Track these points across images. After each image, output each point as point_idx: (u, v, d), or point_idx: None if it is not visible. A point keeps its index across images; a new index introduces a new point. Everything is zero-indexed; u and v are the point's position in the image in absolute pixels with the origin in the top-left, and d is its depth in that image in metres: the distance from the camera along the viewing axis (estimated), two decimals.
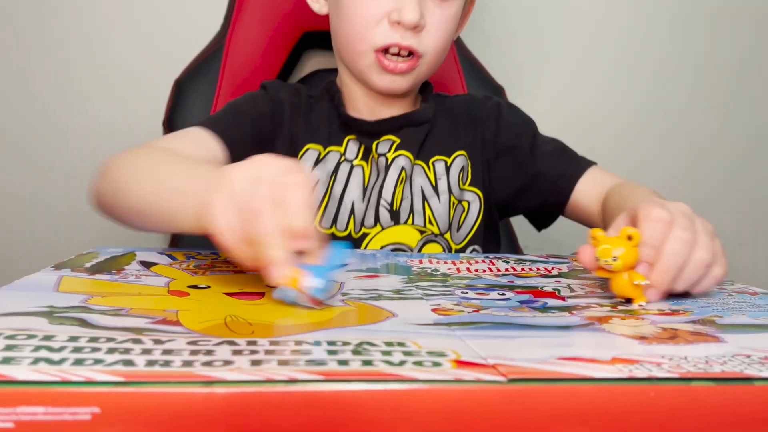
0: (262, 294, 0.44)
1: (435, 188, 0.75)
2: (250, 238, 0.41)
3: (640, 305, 0.45)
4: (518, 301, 0.46)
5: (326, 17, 0.78)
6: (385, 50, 0.71)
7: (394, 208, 0.73)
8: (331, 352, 0.31)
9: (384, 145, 0.75)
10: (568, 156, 0.78)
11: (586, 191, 0.75)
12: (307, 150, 0.74)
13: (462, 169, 0.77)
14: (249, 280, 0.48)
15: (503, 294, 0.48)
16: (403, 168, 0.74)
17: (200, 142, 0.68)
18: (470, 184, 0.77)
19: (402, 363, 0.30)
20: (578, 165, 0.76)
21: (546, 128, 0.82)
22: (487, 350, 0.33)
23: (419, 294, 0.46)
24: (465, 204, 0.76)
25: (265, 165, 0.44)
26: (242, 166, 0.44)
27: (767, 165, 1.28)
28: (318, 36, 0.97)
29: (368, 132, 0.75)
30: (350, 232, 0.72)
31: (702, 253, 0.47)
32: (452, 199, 0.75)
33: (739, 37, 1.23)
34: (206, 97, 0.93)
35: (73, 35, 1.07)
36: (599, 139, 1.18)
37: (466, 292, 0.48)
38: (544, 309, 0.44)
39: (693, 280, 0.47)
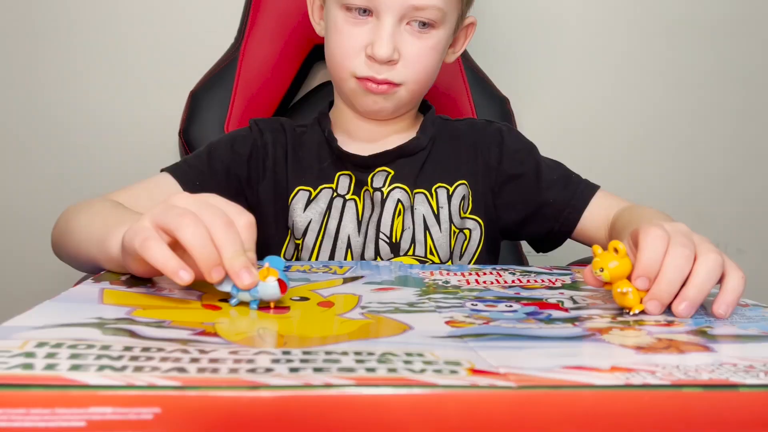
0: (288, 308, 0.48)
1: (437, 217, 0.76)
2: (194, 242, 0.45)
3: (633, 314, 0.49)
4: (525, 313, 0.49)
5: None
6: (365, 78, 0.74)
7: (394, 240, 0.74)
8: (358, 361, 0.35)
9: (379, 178, 0.76)
10: (573, 183, 0.79)
11: (593, 217, 0.76)
12: (297, 192, 0.76)
13: (463, 198, 0.77)
14: None
15: (510, 306, 0.51)
16: (399, 201, 0.75)
17: (163, 192, 0.71)
18: (471, 212, 0.78)
19: (423, 371, 0.33)
20: (584, 192, 0.77)
21: (550, 137, 0.84)
22: (498, 360, 0.37)
23: (432, 307, 0.50)
24: (466, 232, 0.77)
25: (212, 197, 0.49)
26: (188, 194, 0.50)
27: (765, 168, 1.30)
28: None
29: (362, 165, 0.77)
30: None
31: (705, 263, 0.49)
32: (453, 228, 0.76)
33: (743, 44, 1.25)
34: (221, 107, 0.97)
35: (89, 47, 1.11)
36: (602, 147, 1.21)
37: (476, 304, 0.51)
38: (549, 320, 0.47)
39: (705, 290, 0.49)
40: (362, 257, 0.75)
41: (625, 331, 0.45)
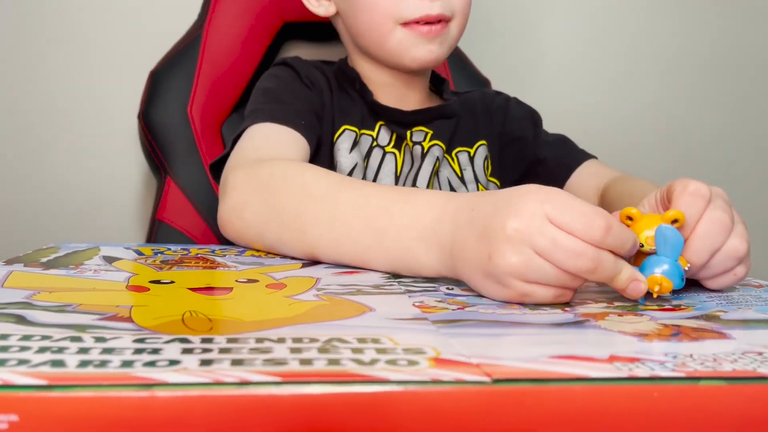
0: (231, 289, 0.41)
1: (462, 179, 0.75)
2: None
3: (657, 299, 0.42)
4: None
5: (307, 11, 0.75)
6: (415, 22, 0.67)
7: None
8: (294, 350, 0.28)
9: (418, 134, 0.73)
10: (568, 146, 0.78)
11: (583, 182, 0.74)
12: (344, 131, 0.71)
13: (485, 158, 0.76)
14: (219, 275, 0.45)
15: None
16: (437, 158, 0.73)
17: (296, 144, 0.63)
18: (491, 175, 0.77)
19: (373, 362, 0.26)
20: (578, 155, 0.76)
21: None
22: (471, 348, 0.30)
23: (401, 289, 0.43)
24: None
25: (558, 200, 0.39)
26: (528, 196, 0.40)
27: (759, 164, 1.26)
28: (299, 26, 0.94)
29: (400, 122, 0.73)
30: None
31: (737, 242, 0.43)
32: (480, 187, 0.75)
33: (741, 34, 1.20)
34: (183, 88, 0.89)
35: (42, 22, 1.03)
36: (586, 133, 1.16)
37: (452, 288, 0.44)
38: (535, 306, 0.40)
39: (718, 271, 0.43)
40: None
41: (624, 316, 0.38)
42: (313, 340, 0.29)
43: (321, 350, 0.28)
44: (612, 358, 0.29)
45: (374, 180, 0.71)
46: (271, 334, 0.30)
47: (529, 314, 0.38)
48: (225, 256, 0.52)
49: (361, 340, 0.30)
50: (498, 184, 0.77)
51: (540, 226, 0.38)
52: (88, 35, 1.03)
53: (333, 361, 0.26)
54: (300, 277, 0.45)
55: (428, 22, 0.67)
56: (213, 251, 0.54)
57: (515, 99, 0.83)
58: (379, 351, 0.28)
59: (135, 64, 0.96)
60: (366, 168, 0.70)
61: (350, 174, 0.69)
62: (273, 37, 0.96)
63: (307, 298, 0.39)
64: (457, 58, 0.99)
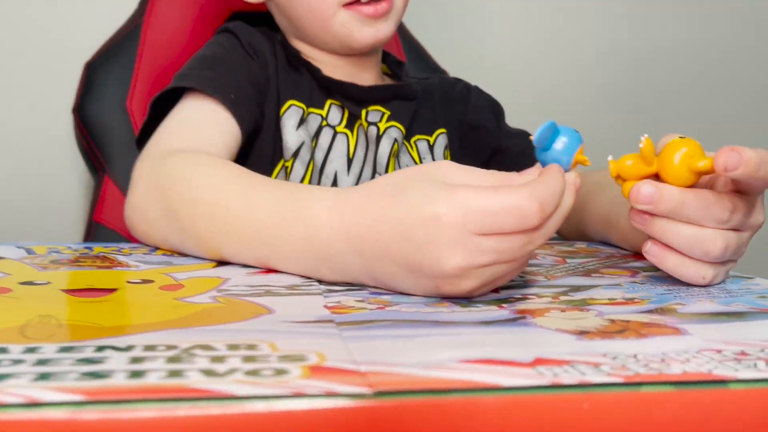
0: (114, 290, 0.35)
1: None
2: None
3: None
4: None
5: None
6: (354, 2, 0.61)
7: None
8: (135, 360, 0.22)
9: (374, 114, 0.67)
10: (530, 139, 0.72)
11: None
12: (290, 106, 0.64)
13: (446, 147, 0.71)
14: (108, 275, 0.39)
15: None
16: (395, 140, 0.66)
17: (220, 125, 0.56)
18: None
19: (230, 372, 0.21)
20: None
21: None
22: (369, 353, 0.24)
23: (320, 290, 0.38)
24: None
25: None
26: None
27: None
28: (248, 16, 0.88)
29: (355, 98, 0.66)
30: None
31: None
32: None
33: (722, 22, 1.17)
34: (121, 81, 0.83)
35: None
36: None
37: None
38: (469, 302, 0.35)
39: (682, 241, 0.38)
40: None
41: (568, 312, 0.33)
42: (170, 348, 0.24)
43: (171, 360, 0.22)
44: (537, 362, 0.24)
45: (324, 162, 0.64)
46: (121, 342, 0.25)
47: (458, 312, 0.33)
48: (131, 254, 0.47)
49: (232, 347, 0.24)
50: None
51: (477, 249, 0.33)
52: (18, 23, 0.96)
53: (175, 373, 0.21)
54: (205, 278, 0.40)
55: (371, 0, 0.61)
56: (120, 249, 0.48)
57: (476, 87, 0.78)
58: (246, 359, 0.23)
59: (69, 55, 0.89)
60: (315, 148, 0.64)
61: (297, 153, 0.63)
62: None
63: (201, 300, 0.34)
64: (413, 49, 0.94)
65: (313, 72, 0.65)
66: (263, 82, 0.63)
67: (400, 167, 0.66)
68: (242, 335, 0.26)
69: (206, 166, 0.48)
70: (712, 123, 1.18)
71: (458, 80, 0.78)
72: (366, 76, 0.68)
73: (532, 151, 0.73)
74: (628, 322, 0.31)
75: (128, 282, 0.38)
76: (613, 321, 0.31)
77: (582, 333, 0.28)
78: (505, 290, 0.38)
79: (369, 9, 0.61)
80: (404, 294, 0.37)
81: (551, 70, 1.15)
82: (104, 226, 0.84)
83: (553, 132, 0.38)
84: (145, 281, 0.38)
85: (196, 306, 0.32)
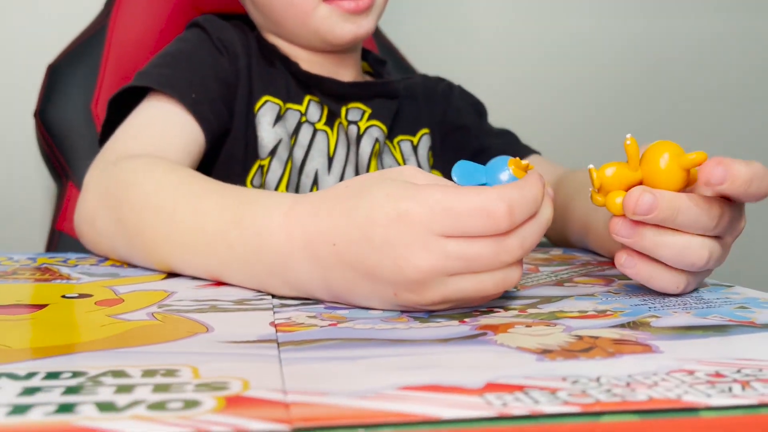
0: (43, 306, 0.32)
1: None
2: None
3: None
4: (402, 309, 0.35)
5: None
6: None
7: None
8: (27, 391, 0.19)
9: (354, 112, 0.64)
10: (514, 137, 0.71)
11: None
12: (265, 102, 0.61)
13: (429, 148, 0.69)
14: (42, 289, 0.36)
15: None
16: (377, 140, 0.63)
17: (177, 126, 0.54)
18: (433, 166, 0.69)
19: (130, 406, 0.18)
20: (523, 148, 0.69)
21: None
22: (303, 379, 0.22)
23: (271, 305, 0.35)
24: None
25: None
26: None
27: (723, 155, 1.21)
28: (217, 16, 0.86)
29: (335, 94, 0.63)
30: None
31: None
32: None
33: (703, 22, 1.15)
34: (86, 84, 0.80)
35: None
36: (527, 131, 1.11)
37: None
38: (429, 317, 0.33)
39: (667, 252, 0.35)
40: None
41: (533, 327, 0.30)
42: (77, 375, 0.21)
43: (69, 390, 0.20)
44: (487, 388, 0.21)
45: (304, 160, 0.61)
46: (24, 368, 0.22)
47: (415, 328, 0.30)
48: (77, 266, 0.44)
49: (147, 373, 0.22)
50: (441, 176, 0.70)
51: (442, 252, 0.31)
52: None
53: (65, 408, 0.18)
54: (149, 292, 0.37)
55: None
56: (66, 261, 0.46)
57: (459, 87, 0.75)
58: (157, 389, 0.20)
59: (31, 57, 0.86)
60: (294, 145, 0.61)
61: (274, 151, 0.60)
62: None
63: (137, 317, 0.31)
64: (390, 54, 0.92)
65: (290, 66, 0.63)
66: (232, 78, 0.60)
67: (383, 168, 0.63)
68: (166, 358, 0.24)
69: (158, 171, 0.45)
70: (702, 124, 1.17)
71: (441, 80, 0.75)
72: (345, 73, 0.66)
73: (516, 150, 0.71)
74: (596, 338, 0.28)
75: (63, 297, 0.35)
76: (580, 337, 0.28)
77: (544, 352, 0.26)
78: None
79: (350, 4, 0.59)
80: (362, 308, 0.34)
81: (529, 68, 1.13)
82: (67, 235, 0.81)
83: (475, 169, 0.35)
84: (82, 296, 0.35)
85: (128, 324, 0.30)
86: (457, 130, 0.71)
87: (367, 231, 0.32)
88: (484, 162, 0.71)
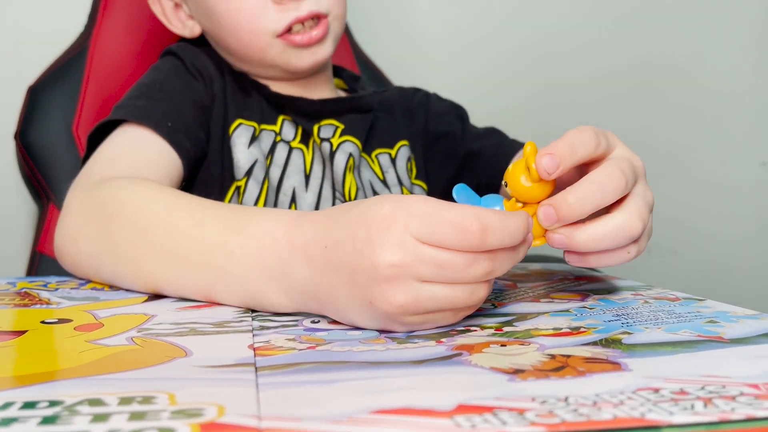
0: (22, 333, 0.32)
1: (384, 182, 0.66)
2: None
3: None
4: (379, 330, 0.35)
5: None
6: (288, 31, 0.60)
7: (347, 198, 0.63)
8: (3, 422, 0.20)
9: (327, 129, 0.64)
10: (501, 136, 0.70)
11: None
12: (239, 125, 0.62)
13: (408, 159, 0.69)
14: (21, 314, 0.37)
15: None
16: (350, 154, 0.64)
17: (158, 155, 0.54)
18: (416, 177, 0.70)
19: None
20: (512, 144, 0.68)
21: None
22: (278, 404, 0.22)
23: (250, 327, 0.35)
24: None
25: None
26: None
27: (698, 168, 1.22)
28: (198, 39, 0.86)
29: (307, 113, 0.64)
30: None
31: (633, 221, 0.37)
32: (404, 191, 0.67)
33: (658, 40, 1.17)
34: (66, 106, 0.80)
35: None
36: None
37: (318, 321, 0.37)
38: (407, 338, 0.33)
39: (605, 245, 0.37)
40: None
41: (509, 346, 0.31)
42: (53, 404, 0.22)
43: (45, 421, 0.20)
44: (458, 409, 0.22)
45: (281, 178, 0.62)
46: (2, 397, 0.22)
47: (393, 349, 0.31)
48: (57, 290, 0.44)
49: (124, 401, 0.22)
50: (424, 187, 0.70)
51: (415, 253, 0.32)
52: None
53: None
54: (129, 315, 0.37)
55: (301, 21, 0.59)
56: (46, 285, 0.46)
57: (435, 95, 0.76)
58: (133, 417, 0.20)
59: (11, 79, 0.86)
60: (270, 165, 0.62)
61: (250, 171, 0.61)
62: None
63: (116, 342, 0.31)
64: (368, 70, 0.93)
65: (261, 90, 0.64)
66: (207, 101, 0.61)
67: (360, 181, 0.65)
68: (143, 384, 0.24)
69: (148, 188, 0.45)
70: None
71: (417, 90, 0.76)
72: (316, 92, 0.66)
73: (505, 150, 0.71)
74: (568, 357, 0.29)
75: (42, 322, 0.35)
76: (553, 356, 0.29)
77: (516, 372, 0.27)
78: None
79: (302, 38, 0.60)
80: (340, 327, 0.35)
81: (509, 71, 1.14)
82: (49, 257, 0.81)
83: (473, 197, 0.37)
84: (62, 321, 0.36)
85: (107, 349, 0.30)
86: (441, 139, 0.71)
87: (353, 230, 0.33)
88: (475, 167, 0.71)
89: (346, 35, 0.93)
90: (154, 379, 0.25)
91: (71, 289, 0.44)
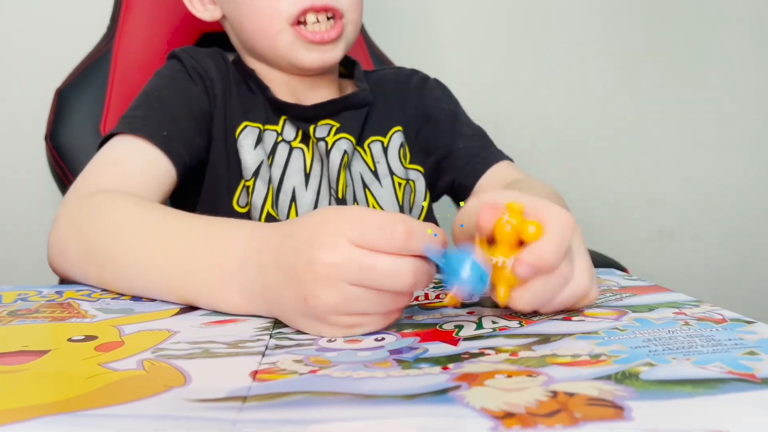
0: (42, 354, 0.34)
1: (375, 173, 0.67)
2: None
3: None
4: (390, 350, 0.34)
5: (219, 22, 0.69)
6: (302, 22, 0.61)
7: (339, 195, 0.64)
8: None
9: (322, 129, 0.66)
10: (485, 142, 0.71)
11: (490, 182, 0.67)
12: (245, 127, 0.64)
13: (401, 145, 0.69)
14: (49, 331, 0.38)
15: (382, 339, 0.37)
16: (345, 152, 0.65)
17: (150, 164, 0.57)
18: (411, 162, 0.70)
19: None
20: (495, 153, 0.69)
21: None
22: None
23: (263, 347, 0.35)
24: (411, 184, 0.69)
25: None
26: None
27: (719, 153, 1.16)
28: (217, 36, 0.87)
29: (303, 117, 0.66)
30: None
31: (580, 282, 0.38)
32: (396, 180, 0.68)
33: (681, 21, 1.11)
34: (93, 106, 0.83)
35: None
36: (537, 133, 1.09)
37: (334, 340, 0.36)
38: (415, 361, 0.32)
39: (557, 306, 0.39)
40: None
41: (514, 378, 0.29)
42: None
43: None
44: None
45: (281, 178, 0.63)
46: None
47: (393, 377, 0.30)
48: (99, 299, 0.46)
49: None
50: (421, 170, 0.69)
51: (345, 253, 0.35)
52: None
53: None
54: (153, 332, 0.38)
55: (315, 10, 0.60)
56: (90, 294, 0.48)
57: (435, 79, 0.75)
58: None
59: (40, 82, 0.89)
60: (271, 165, 0.63)
61: (257, 172, 0.62)
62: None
63: (126, 365, 0.32)
64: (381, 64, 0.92)
65: (264, 91, 0.65)
66: (207, 106, 0.63)
67: (351, 177, 0.66)
68: (120, 424, 0.25)
69: (128, 203, 0.49)
70: None
71: (415, 72, 0.75)
72: (319, 94, 0.68)
73: (484, 158, 0.70)
74: (571, 396, 0.27)
75: (69, 340, 0.37)
76: (554, 395, 0.27)
77: (506, 416, 0.25)
78: (466, 341, 0.35)
79: (314, 36, 0.61)
80: (352, 347, 0.34)
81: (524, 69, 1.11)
82: None
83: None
84: (87, 338, 0.37)
85: (112, 375, 0.31)
86: (431, 122, 0.71)
87: (298, 234, 0.37)
88: (454, 164, 0.69)
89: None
90: (136, 416, 0.26)
91: (111, 299, 0.46)
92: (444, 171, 0.70)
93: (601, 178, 1.14)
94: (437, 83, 0.74)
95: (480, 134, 0.71)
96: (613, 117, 1.15)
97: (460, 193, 0.69)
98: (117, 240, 0.46)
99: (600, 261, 0.65)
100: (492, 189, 0.65)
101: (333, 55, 0.63)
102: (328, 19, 0.61)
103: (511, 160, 0.69)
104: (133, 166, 0.56)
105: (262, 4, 0.61)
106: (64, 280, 0.53)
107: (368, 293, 0.35)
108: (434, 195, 0.72)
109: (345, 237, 0.35)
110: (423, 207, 0.69)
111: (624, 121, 1.15)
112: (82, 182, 0.54)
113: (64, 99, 0.82)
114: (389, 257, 0.35)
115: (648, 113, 1.16)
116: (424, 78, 0.74)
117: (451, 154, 0.69)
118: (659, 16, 1.15)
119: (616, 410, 0.25)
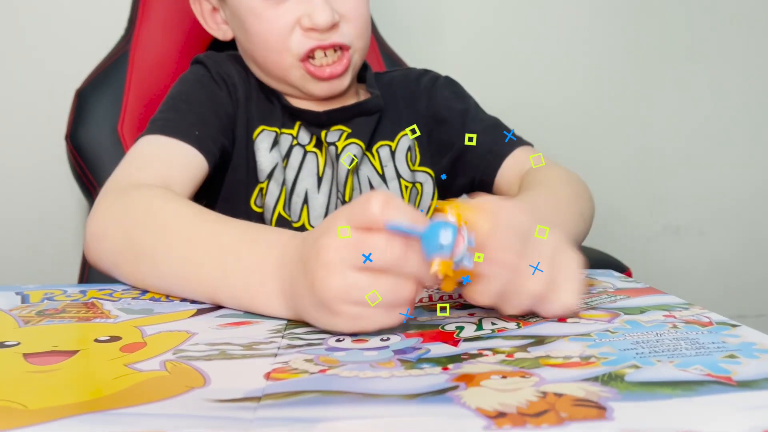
0: (71, 354, 0.37)
1: (383, 177, 0.69)
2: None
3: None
4: (395, 350, 0.37)
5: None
6: (310, 56, 0.65)
7: (346, 199, 0.67)
8: None
9: (334, 134, 0.68)
10: (499, 132, 0.70)
11: (508, 172, 0.67)
12: (262, 131, 0.67)
13: (409, 149, 0.71)
14: (77, 332, 0.41)
15: (387, 339, 0.39)
16: (354, 156, 0.68)
17: (186, 161, 0.60)
18: (420, 164, 0.71)
19: None
20: (505, 145, 0.69)
21: None
22: None
23: (276, 349, 0.38)
24: (418, 186, 0.71)
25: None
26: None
27: (725, 149, 1.17)
28: (227, 43, 0.89)
29: (317, 122, 0.68)
30: (304, 223, 0.66)
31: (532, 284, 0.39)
32: (403, 183, 0.70)
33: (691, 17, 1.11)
34: (111, 107, 0.86)
35: None
36: (546, 129, 1.11)
37: (342, 340, 0.39)
38: (417, 361, 0.35)
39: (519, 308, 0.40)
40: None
41: (508, 378, 0.32)
42: None
43: None
44: None
45: (294, 181, 0.66)
46: None
47: (397, 377, 0.32)
48: (120, 299, 0.48)
49: None
50: (430, 173, 0.71)
51: (354, 238, 0.36)
52: (10, 55, 1.00)
53: None
54: (173, 333, 0.41)
55: (323, 48, 0.63)
56: (112, 294, 0.50)
57: (446, 78, 0.76)
58: None
59: (61, 83, 0.92)
60: (286, 167, 0.66)
61: (271, 174, 0.65)
62: (206, 48, 0.91)
63: (150, 366, 0.35)
64: (393, 64, 0.94)
65: (280, 98, 0.68)
66: (231, 109, 0.66)
67: (359, 182, 0.68)
68: (149, 422, 0.27)
69: (174, 201, 0.51)
70: None
71: (425, 72, 0.76)
72: (332, 101, 0.70)
73: (500, 148, 0.71)
74: (560, 396, 0.29)
75: (95, 341, 0.39)
76: (544, 395, 0.29)
77: (498, 416, 0.27)
78: (467, 341, 0.37)
79: (323, 72, 0.64)
80: (360, 347, 0.37)
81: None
82: None
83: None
84: (112, 338, 0.40)
85: (137, 376, 0.33)
86: (441, 124, 0.72)
87: (317, 230, 0.40)
88: (470, 162, 0.71)
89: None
90: (159, 415, 0.28)
91: (132, 299, 0.49)
92: (460, 171, 0.71)
93: (607, 175, 1.15)
94: (447, 81, 0.75)
95: (492, 125, 0.71)
96: (619, 113, 1.16)
97: (484, 190, 0.70)
98: (160, 235, 0.48)
99: (600, 260, 0.67)
100: (509, 184, 0.66)
101: (341, 84, 0.66)
102: (335, 51, 0.64)
103: (529, 144, 0.69)
104: (173, 163, 0.59)
105: (272, 40, 0.64)
106: (93, 273, 0.56)
107: (370, 280, 0.36)
108: (453, 195, 0.73)
109: (351, 223, 0.37)
110: (429, 210, 0.70)
111: (630, 118, 1.17)
112: (122, 175, 0.57)
113: (83, 100, 0.85)
114: (382, 235, 0.36)
115: (654, 109, 1.17)
116: (434, 78, 0.75)
117: (464, 154, 0.70)
118: (667, 12, 1.16)
119: (600, 411, 0.28)
